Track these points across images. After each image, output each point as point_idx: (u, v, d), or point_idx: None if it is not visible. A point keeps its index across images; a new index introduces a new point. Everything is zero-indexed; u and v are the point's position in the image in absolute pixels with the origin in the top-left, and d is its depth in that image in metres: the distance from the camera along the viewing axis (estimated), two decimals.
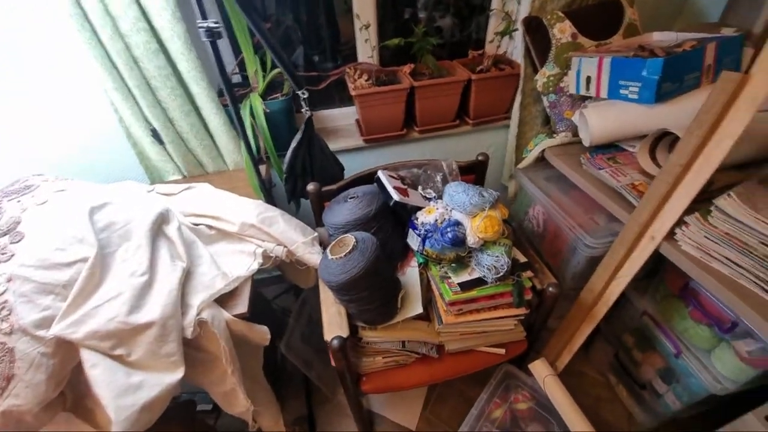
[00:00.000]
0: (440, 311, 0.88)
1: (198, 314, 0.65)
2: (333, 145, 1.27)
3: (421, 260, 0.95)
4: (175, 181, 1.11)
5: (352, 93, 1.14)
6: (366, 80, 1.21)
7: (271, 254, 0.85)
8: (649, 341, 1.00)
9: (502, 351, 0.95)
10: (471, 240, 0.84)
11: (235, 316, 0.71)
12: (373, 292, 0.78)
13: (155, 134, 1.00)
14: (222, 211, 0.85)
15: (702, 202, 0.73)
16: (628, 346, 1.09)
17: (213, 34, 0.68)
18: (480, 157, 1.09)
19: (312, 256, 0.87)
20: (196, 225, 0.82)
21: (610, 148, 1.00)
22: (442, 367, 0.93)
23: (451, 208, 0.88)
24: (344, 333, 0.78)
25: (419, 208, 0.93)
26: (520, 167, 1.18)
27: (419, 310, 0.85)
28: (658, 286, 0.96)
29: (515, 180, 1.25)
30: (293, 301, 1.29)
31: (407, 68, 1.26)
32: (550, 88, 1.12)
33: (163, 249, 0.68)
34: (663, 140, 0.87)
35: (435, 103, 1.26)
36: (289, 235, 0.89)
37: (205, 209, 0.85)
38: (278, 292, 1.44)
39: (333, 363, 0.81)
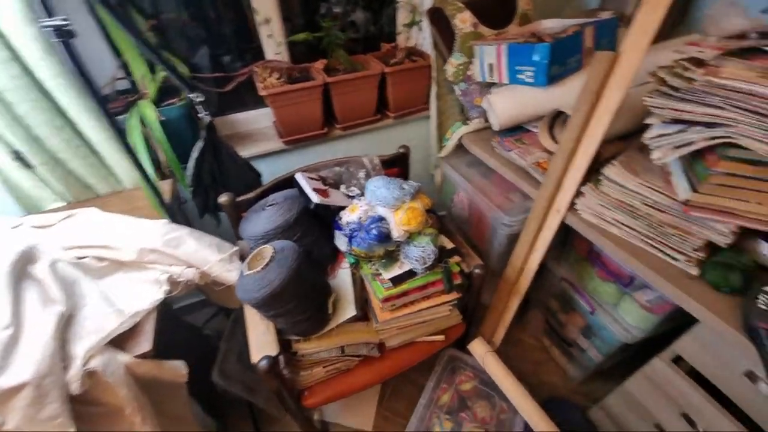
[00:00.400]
0: (375, 310, 0.87)
1: (85, 364, 0.55)
2: (250, 150, 1.19)
3: (352, 260, 0.92)
4: (58, 209, 0.95)
5: (262, 93, 1.07)
6: (277, 78, 1.14)
7: (180, 279, 0.76)
8: (569, 303, 1.09)
9: (442, 337, 0.96)
10: (396, 234, 0.83)
11: (137, 356, 0.62)
12: (301, 302, 0.74)
13: (20, 157, 0.84)
14: (114, 238, 0.74)
15: (594, 173, 0.80)
16: (554, 310, 1.18)
17: (63, 34, 0.57)
18: (401, 150, 1.09)
19: (230, 273, 0.80)
20: (81, 258, 0.70)
21: (517, 130, 1.06)
22: (385, 365, 0.92)
23: (374, 204, 0.87)
24: (273, 351, 0.73)
25: (343, 208, 0.91)
26: (441, 156, 1.21)
27: (353, 312, 0.83)
28: (570, 252, 1.05)
29: (440, 169, 1.28)
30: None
31: (320, 64, 1.21)
32: (460, 77, 1.16)
33: (31, 293, 0.57)
34: (559, 119, 0.94)
35: (353, 98, 1.23)
36: (202, 254, 0.80)
37: (93, 238, 0.74)
38: (210, 315, 1.32)
39: (265, 385, 0.76)
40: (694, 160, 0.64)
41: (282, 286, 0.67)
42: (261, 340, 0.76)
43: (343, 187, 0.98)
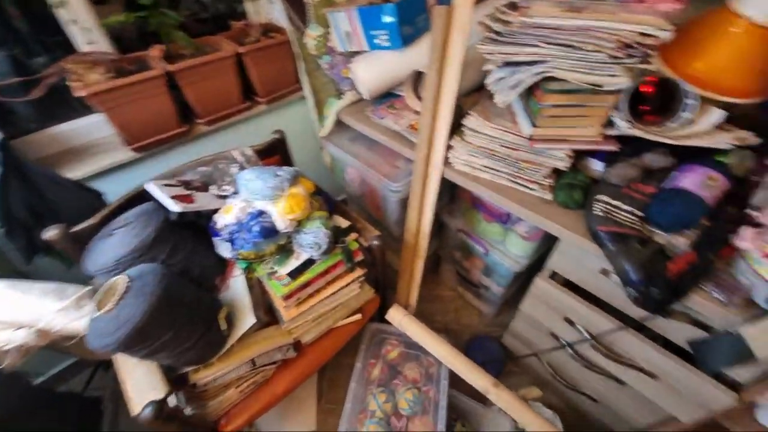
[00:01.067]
0: (280, 310, 0.81)
1: None
2: (89, 167, 0.97)
3: (243, 265, 0.84)
4: None
5: (80, 93, 0.86)
6: (102, 74, 0.93)
7: (6, 347, 0.59)
8: (468, 250, 1.18)
9: (359, 316, 0.95)
10: (282, 225, 0.77)
11: None
12: (180, 330, 0.64)
13: None
14: None
15: (459, 126, 0.84)
16: (459, 260, 1.27)
17: None
18: (275, 135, 1.01)
19: (80, 321, 0.65)
20: None
21: (388, 96, 1.07)
22: (306, 362, 0.88)
23: (251, 199, 0.79)
24: (159, 393, 0.62)
25: (216, 210, 0.80)
26: (322, 135, 1.16)
27: (252, 321, 0.75)
28: (459, 204, 1.12)
29: (326, 149, 1.23)
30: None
31: (157, 51, 1.03)
32: (322, 50, 1.10)
33: None
34: (421, 79, 0.96)
35: (208, 86, 1.09)
36: (33, 308, 0.63)
37: None
38: (90, 373, 1.09)
39: None
40: (529, 98, 0.71)
41: (145, 320, 0.56)
42: (142, 385, 0.64)
43: (213, 188, 0.86)
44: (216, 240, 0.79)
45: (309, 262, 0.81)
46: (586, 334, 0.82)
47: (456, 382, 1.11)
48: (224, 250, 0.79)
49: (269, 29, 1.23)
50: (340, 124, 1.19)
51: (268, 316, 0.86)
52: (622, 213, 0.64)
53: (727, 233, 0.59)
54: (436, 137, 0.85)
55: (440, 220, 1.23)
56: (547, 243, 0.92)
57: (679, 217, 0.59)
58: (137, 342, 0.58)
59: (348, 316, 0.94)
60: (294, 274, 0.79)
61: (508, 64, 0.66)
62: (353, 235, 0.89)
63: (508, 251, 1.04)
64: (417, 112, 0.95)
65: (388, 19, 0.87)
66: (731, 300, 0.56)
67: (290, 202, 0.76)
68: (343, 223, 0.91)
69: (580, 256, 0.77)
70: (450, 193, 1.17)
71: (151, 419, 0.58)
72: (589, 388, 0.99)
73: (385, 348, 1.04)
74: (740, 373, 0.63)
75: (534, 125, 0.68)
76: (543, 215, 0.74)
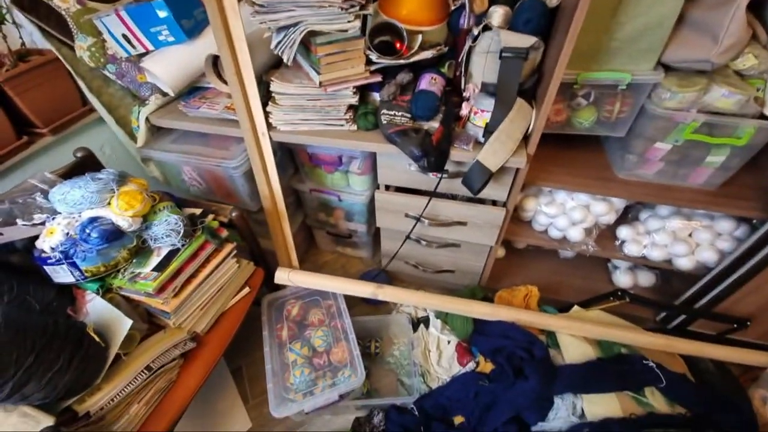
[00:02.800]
0: (158, 308, 0.80)
1: None
2: None
3: (94, 287, 0.78)
4: None
5: None
6: None
7: None
8: (326, 205, 1.36)
9: (248, 289, 1.01)
10: (125, 224, 0.76)
11: None
12: (44, 349, 0.59)
13: None
14: None
15: (270, 94, 0.98)
16: (324, 220, 1.44)
17: None
18: (79, 153, 0.93)
19: None
20: None
21: (197, 90, 1.12)
22: (210, 349, 0.89)
23: (75, 211, 0.74)
24: (47, 422, 0.56)
25: (35, 240, 0.72)
26: (140, 146, 1.12)
27: (128, 322, 0.73)
28: (303, 167, 1.27)
29: (150, 161, 1.19)
30: None
31: None
32: (102, 60, 1.06)
33: None
34: (220, 62, 1.05)
35: None
36: None
37: None
38: None
39: None
40: (309, 55, 0.90)
41: None
42: (19, 429, 0.56)
43: (21, 222, 0.76)
44: (49, 269, 0.72)
45: (173, 253, 0.82)
46: (420, 216, 1.10)
47: (354, 308, 1.28)
48: (63, 275, 0.73)
49: (26, 54, 1.08)
50: (156, 131, 1.17)
51: (148, 324, 0.83)
52: (398, 117, 0.91)
53: (456, 109, 0.93)
54: (254, 109, 0.97)
55: (295, 190, 1.36)
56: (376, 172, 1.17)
57: (426, 108, 0.89)
58: None
59: (236, 294, 0.98)
60: (160, 268, 0.79)
61: (279, 29, 0.83)
62: (210, 216, 0.93)
63: (354, 190, 1.26)
64: (229, 95, 1.04)
65: (162, 14, 0.93)
66: (469, 146, 0.89)
67: (124, 199, 0.76)
68: (196, 210, 0.94)
69: (392, 163, 1.02)
70: (293, 163, 1.31)
71: None
72: (445, 264, 1.31)
73: (285, 310, 1.12)
74: (496, 193, 1.00)
75: (319, 74, 0.88)
76: (356, 141, 0.96)
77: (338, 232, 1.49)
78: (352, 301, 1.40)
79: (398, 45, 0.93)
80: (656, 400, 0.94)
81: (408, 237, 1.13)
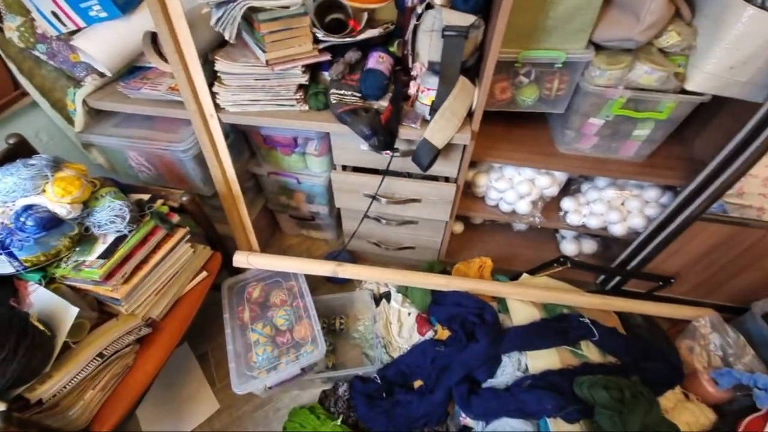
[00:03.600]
0: (107, 295, 0.79)
1: None
2: None
3: (36, 277, 0.76)
4: None
5: None
6: None
7: None
8: (286, 188, 1.35)
9: (205, 273, 1.01)
10: (63, 211, 0.73)
11: None
12: None
13: None
14: None
15: (215, 74, 0.95)
16: (285, 203, 1.44)
17: None
18: (11, 140, 0.88)
19: None
20: None
21: (138, 70, 1.06)
22: (167, 334, 0.90)
23: (7, 200, 0.71)
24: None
25: None
26: (78, 131, 1.06)
27: (75, 310, 0.72)
28: (259, 150, 1.25)
29: (92, 146, 1.13)
30: None
31: None
32: (31, 40, 0.98)
33: None
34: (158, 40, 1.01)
35: None
36: None
37: None
38: None
39: None
40: (254, 32, 0.88)
41: None
42: None
43: None
44: None
45: (120, 239, 0.81)
46: (375, 194, 1.12)
47: (319, 289, 1.31)
48: (1, 266, 0.70)
49: None
50: (96, 114, 1.11)
51: (99, 312, 0.82)
52: (347, 96, 0.92)
53: (404, 88, 0.95)
54: (199, 89, 0.94)
55: (253, 174, 1.35)
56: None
57: (374, 87, 0.91)
58: None
59: (193, 279, 0.98)
60: (106, 255, 0.78)
61: (219, 4, 0.80)
62: (159, 201, 0.91)
63: (312, 172, 1.26)
64: (172, 75, 1.00)
65: None
66: (417, 123, 0.92)
67: (60, 185, 0.73)
68: (144, 196, 0.92)
69: (346, 143, 1.04)
70: (248, 146, 1.29)
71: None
72: (405, 241, 1.36)
73: (246, 293, 1.13)
74: (447, 170, 1.05)
75: (264, 52, 0.87)
76: (307, 121, 0.96)
77: (301, 215, 1.50)
78: (318, 282, 1.44)
79: (352, 23, 0.93)
80: (591, 352, 1.05)
81: (366, 215, 1.15)
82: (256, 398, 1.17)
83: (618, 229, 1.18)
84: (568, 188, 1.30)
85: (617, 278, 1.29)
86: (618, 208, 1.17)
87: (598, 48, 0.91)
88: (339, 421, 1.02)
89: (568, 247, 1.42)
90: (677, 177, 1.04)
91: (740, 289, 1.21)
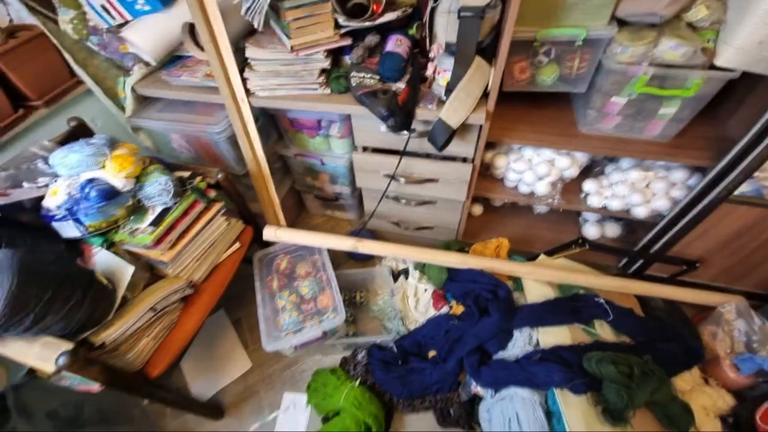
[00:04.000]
0: (157, 259, 0.90)
1: None
2: None
3: (99, 241, 0.88)
4: None
5: None
6: None
7: None
8: (312, 170, 1.43)
9: (238, 244, 1.11)
10: (120, 184, 0.85)
11: None
12: (60, 287, 0.70)
13: None
14: None
15: (246, 60, 1.03)
16: (311, 184, 1.52)
17: None
18: (73, 122, 1.01)
19: None
20: None
21: (178, 59, 1.16)
22: (206, 296, 1.01)
23: (74, 174, 0.83)
24: (69, 346, 0.68)
25: (41, 200, 0.82)
26: (128, 116, 1.19)
27: (131, 268, 0.84)
28: (286, 133, 1.33)
29: (140, 130, 1.26)
30: None
31: None
32: (84, 32, 1.10)
33: None
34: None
35: None
36: None
37: None
38: None
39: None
40: (280, 20, 0.95)
41: (15, 288, 0.62)
42: (46, 354, 0.68)
43: (27, 185, 0.85)
44: (56, 224, 0.82)
45: (165, 211, 0.92)
46: (394, 174, 1.17)
47: (342, 265, 1.39)
48: (70, 230, 0.83)
49: (14, 30, 1.13)
50: (143, 100, 1.23)
51: (150, 273, 0.95)
52: (367, 79, 0.96)
53: (422, 70, 0.98)
54: (231, 75, 1.02)
55: (281, 156, 1.44)
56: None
57: (392, 69, 0.94)
58: (17, 309, 0.62)
59: (228, 249, 1.09)
60: (155, 223, 0.89)
61: None
62: (198, 178, 1.01)
63: (335, 153, 1.32)
64: (208, 63, 1.09)
65: None
66: (433, 104, 0.95)
67: (117, 161, 0.84)
68: (185, 173, 1.02)
69: (366, 125, 1.09)
70: (276, 130, 1.37)
71: (70, 363, 0.65)
72: (424, 221, 1.41)
73: (275, 264, 1.24)
74: (464, 150, 1.07)
75: (289, 38, 0.93)
76: (330, 104, 1.02)
77: (325, 196, 1.57)
78: (341, 259, 1.52)
79: (376, 7, 0.96)
80: (604, 332, 1.06)
81: (385, 195, 1.21)
82: (284, 359, 1.29)
83: (641, 212, 1.16)
84: (591, 170, 1.28)
85: (639, 262, 1.27)
86: (642, 190, 1.15)
87: (621, 24, 0.89)
88: (357, 383, 1.11)
89: (591, 231, 1.41)
90: (706, 157, 1.00)
91: None
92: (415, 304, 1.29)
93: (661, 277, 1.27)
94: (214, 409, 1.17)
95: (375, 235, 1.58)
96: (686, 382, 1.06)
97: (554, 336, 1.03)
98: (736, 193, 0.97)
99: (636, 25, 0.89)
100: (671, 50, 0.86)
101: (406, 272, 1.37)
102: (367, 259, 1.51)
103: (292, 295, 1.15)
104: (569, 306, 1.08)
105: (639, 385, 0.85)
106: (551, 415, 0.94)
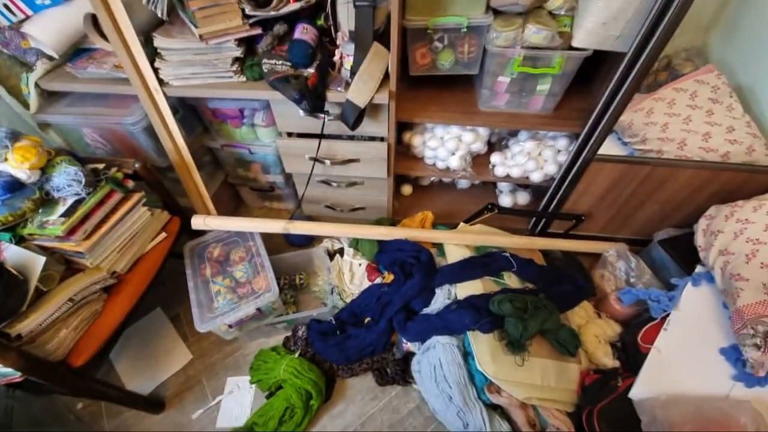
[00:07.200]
0: (72, 250, 0.90)
1: None
2: None
3: (6, 237, 0.86)
4: None
5: None
6: None
7: None
8: (242, 160, 1.46)
9: (164, 234, 1.12)
10: (23, 176, 0.84)
11: None
12: None
13: None
14: None
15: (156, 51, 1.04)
16: (243, 175, 1.54)
17: None
18: None
19: None
20: None
21: (85, 52, 1.14)
22: (132, 285, 1.01)
23: None
24: None
25: None
26: (34, 113, 1.14)
27: (42, 259, 0.83)
28: (212, 126, 1.35)
29: (48, 127, 1.21)
30: None
31: None
32: None
33: None
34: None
35: None
36: None
37: None
38: None
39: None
40: (186, 10, 0.98)
41: None
42: None
43: None
44: None
45: (78, 202, 0.91)
46: (316, 155, 1.24)
47: (281, 252, 1.43)
48: None
49: None
50: (49, 96, 1.19)
51: (66, 266, 0.93)
52: (278, 65, 1.03)
53: (331, 57, 1.06)
54: (141, 66, 1.03)
55: (209, 149, 1.45)
56: None
57: (301, 55, 1.02)
58: None
59: (153, 239, 1.10)
60: (67, 214, 0.88)
61: None
62: (114, 169, 1.01)
63: (263, 142, 1.37)
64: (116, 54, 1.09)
65: None
66: (342, 87, 1.04)
67: (19, 153, 0.83)
68: (98, 165, 1.02)
69: (285, 110, 1.15)
70: (200, 122, 1.38)
71: None
72: (356, 202, 1.50)
73: (207, 252, 1.25)
74: (379, 130, 1.18)
75: (197, 27, 0.97)
76: (245, 90, 1.07)
77: (260, 186, 1.61)
78: (279, 246, 1.56)
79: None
80: (511, 281, 1.22)
81: (312, 176, 1.28)
82: (226, 347, 1.31)
83: (536, 176, 1.35)
84: (499, 144, 1.45)
85: (542, 221, 1.46)
86: (535, 158, 1.33)
87: (496, 13, 1.04)
88: (297, 355, 1.17)
89: (505, 200, 1.59)
90: (579, 126, 1.19)
91: (644, 223, 1.40)
92: (350, 278, 1.37)
93: (559, 233, 1.47)
94: (153, 402, 1.16)
95: (312, 219, 1.64)
96: (581, 317, 1.25)
97: (469, 289, 1.17)
98: (603, 153, 1.16)
99: (507, 14, 1.04)
100: (535, 34, 1.03)
101: (341, 251, 1.45)
102: (306, 244, 1.56)
103: (227, 279, 1.18)
104: (481, 262, 1.22)
105: (531, 316, 1.01)
106: (468, 355, 1.07)
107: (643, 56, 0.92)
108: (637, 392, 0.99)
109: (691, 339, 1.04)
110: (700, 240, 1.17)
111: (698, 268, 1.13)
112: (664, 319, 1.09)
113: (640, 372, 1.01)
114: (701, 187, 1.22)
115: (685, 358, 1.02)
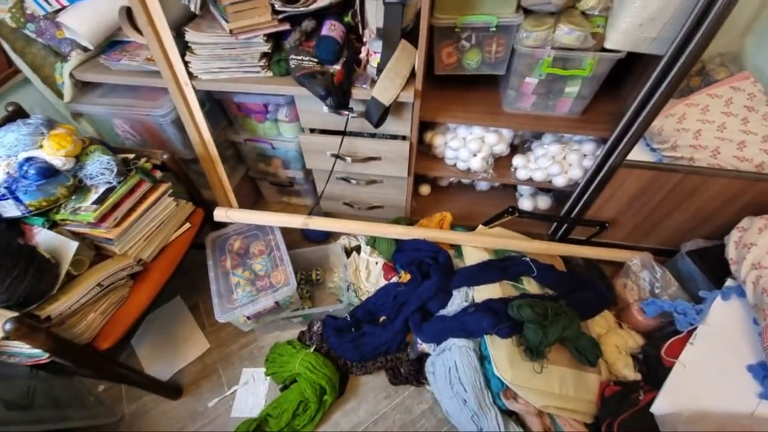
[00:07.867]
0: (102, 236, 0.93)
1: None
2: None
3: (40, 221, 0.89)
4: None
5: None
6: None
7: None
8: (264, 154, 1.48)
9: (189, 225, 1.14)
10: (59, 163, 0.86)
11: None
12: (1, 266, 0.71)
13: None
14: None
15: (187, 44, 1.06)
16: (264, 170, 1.56)
17: None
18: (9, 108, 1.00)
19: None
20: None
21: (117, 44, 1.17)
22: (157, 272, 1.04)
23: (11, 154, 0.84)
24: (12, 314, 0.70)
25: None
26: (67, 101, 1.18)
27: (74, 244, 0.86)
28: (235, 119, 1.37)
29: (81, 116, 1.25)
30: None
31: None
32: (22, 20, 1.09)
33: None
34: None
35: None
36: None
37: None
38: None
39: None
40: (217, 5, 0.99)
41: None
42: None
43: None
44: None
45: (109, 190, 0.94)
46: (338, 152, 1.25)
47: (298, 247, 1.44)
48: (9, 209, 0.84)
49: None
50: (83, 86, 1.23)
51: (96, 252, 0.96)
52: (305, 61, 1.03)
53: (358, 54, 1.06)
54: (172, 59, 1.05)
55: (233, 142, 1.47)
56: None
57: (328, 52, 1.02)
58: None
59: (178, 228, 1.12)
60: (98, 201, 0.91)
61: None
62: (143, 159, 1.04)
63: (285, 137, 1.38)
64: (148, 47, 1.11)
65: None
66: (367, 84, 1.04)
67: (56, 140, 0.85)
68: (129, 155, 1.04)
69: (310, 106, 1.15)
70: (225, 116, 1.40)
71: (15, 328, 0.68)
72: (374, 200, 1.49)
73: (228, 245, 1.27)
74: (402, 129, 1.17)
75: (227, 22, 0.98)
76: (271, 85, 1.08)
77: (280, 181, 1.62)
78: (297, 241, 1.58)
79: None
80: (530, 286, 1.20)
81: (332, 173, 1.28)
82: (243, 338, 1.33)
83: (560, 181, 1.32)
84: (522, 147, 1.43)
85: (564, 227, 1.43)
86: (559, 162, 1.30)
87: (527, 12, 1.02)
88: (312, 350, 1.18)
89: (525, 203, 1.56)
90: (607, 129, 1.16)
91: (671, 232, 1.35)
92: (366, 276, 1.37)
93: (581, 240, 1.44)
94: (171, 388, 1.19)
95: (329, 216, 1.65)
96: (602, 327, 1.23)
97: (487, 292, 1.15)
98: (631, 158, 1.13)
99: (538, 13, 1.02)
100: (567, 35, 1.00)
101: (358, 248, 1.46)
102: (323, 240, 1.57)
103: (246, 271, 1.19)
104: (500, 266, 1.21)
105: (552, 323, 0.99)
106: (484, 359, 1.05)
107: (681, 59, 0.89)
108: (659, 407, 0.96)
109: (718, 355, 1.00)
110: (731, 252, 1.12)
111: (729, 282, 1.09)
112: (690, 332, 1.06)
113: (663, 386, 0.98)
114: (734, 198, 1.17)
115: (710, 373, 0.98)
